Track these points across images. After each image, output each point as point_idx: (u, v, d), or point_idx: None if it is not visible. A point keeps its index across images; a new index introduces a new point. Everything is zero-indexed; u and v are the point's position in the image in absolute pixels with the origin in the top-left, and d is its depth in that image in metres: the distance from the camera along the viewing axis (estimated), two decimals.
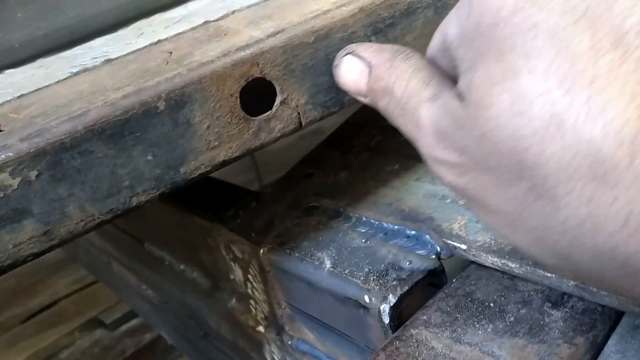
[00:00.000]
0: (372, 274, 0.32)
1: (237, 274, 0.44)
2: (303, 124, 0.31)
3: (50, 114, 0.26)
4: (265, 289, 0.41)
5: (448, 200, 0.35)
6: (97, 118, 0.25)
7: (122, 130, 0.26)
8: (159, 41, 0.35)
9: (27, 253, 0.25)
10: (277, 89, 0.29)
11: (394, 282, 0.31)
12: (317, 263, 0.35)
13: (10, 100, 0.32)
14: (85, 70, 0.33)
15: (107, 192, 0.26)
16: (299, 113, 0.30)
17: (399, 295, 0.30)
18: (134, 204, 0.27)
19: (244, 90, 0.28)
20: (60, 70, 0.36)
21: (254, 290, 0.43)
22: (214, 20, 0.36)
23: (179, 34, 0.35)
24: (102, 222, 0.26)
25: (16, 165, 0.24)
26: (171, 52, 0.31)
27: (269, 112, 0.29)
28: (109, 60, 0.34)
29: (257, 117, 0.29)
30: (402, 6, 0.32)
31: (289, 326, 0.40)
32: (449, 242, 0.32)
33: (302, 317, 0.38)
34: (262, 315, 0.44)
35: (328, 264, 0.34)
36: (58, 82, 0.32)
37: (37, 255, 0.26)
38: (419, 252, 0.33)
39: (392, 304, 0.30)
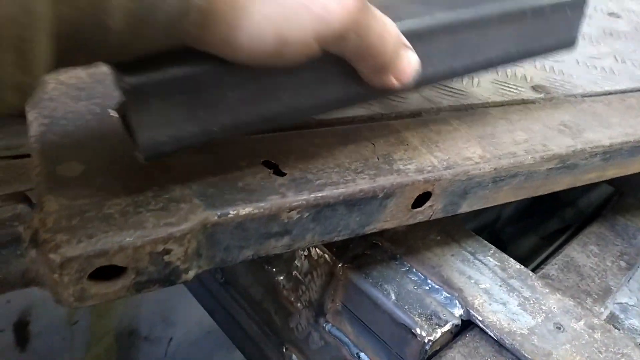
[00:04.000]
0: (422, 315, 0.51)
1: (303, 266, 0.60)
2: (433, 217, 0.48)
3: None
4: (324, 286, 0.58)
5: (472, 281, 0.55)
6: (344, 193, 0.40)
7: (356, 203, 0.41)
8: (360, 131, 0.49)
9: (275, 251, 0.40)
10: (432, 197, 0.46)
11: (436, 326, 0.50)
12: (385, 292, 0.53)
13: None
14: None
15: (330, 230, 0.41)
16: (434, 211, 0.48)
17: (437, 335, 0.50)
18: (336, 240, 0.42)
19: (418, 196, 0.45)
20: None
21: (312, 282, 0.59)
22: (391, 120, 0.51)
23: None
24: (312, 245, 0.41)
25: (302, 209, 0.38)
26: (374, 144, 0.46)
27: (421, 208, 0.46)
28: None
29: (415, 210, 0.46)
30: (509, 171, 0.50)
31: (331, 315, 0.58)
32: (471, 311, 0.52)
33: (350, 316, 0.56)
34: (307, 298, 0.61)
35: (393, 296, 0.52)
36: None
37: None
38: (450, 309, 0.52)
39: (432, 339, 0.49)
